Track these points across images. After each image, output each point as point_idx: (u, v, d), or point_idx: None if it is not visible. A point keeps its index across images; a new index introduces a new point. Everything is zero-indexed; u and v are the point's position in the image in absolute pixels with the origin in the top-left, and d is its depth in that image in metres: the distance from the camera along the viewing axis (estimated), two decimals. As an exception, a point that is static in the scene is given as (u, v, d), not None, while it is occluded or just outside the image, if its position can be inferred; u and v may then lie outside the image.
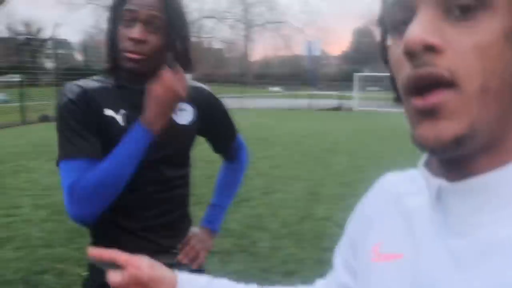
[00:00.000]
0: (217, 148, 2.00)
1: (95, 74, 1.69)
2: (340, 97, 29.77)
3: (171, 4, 1.58)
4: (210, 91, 1.86)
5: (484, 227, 0.56)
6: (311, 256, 4.90)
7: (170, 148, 1.68)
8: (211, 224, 1.95)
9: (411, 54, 0.53)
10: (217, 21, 66.24)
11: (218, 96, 1.90)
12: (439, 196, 0.61)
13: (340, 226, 5.40)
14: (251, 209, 6.56)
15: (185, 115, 1.73)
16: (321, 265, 4.68)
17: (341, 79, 31.96)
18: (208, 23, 68.04)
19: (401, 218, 0.70)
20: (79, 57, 60.15)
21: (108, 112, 1.59)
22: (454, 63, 0.52)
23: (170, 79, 1.54)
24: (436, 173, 0.63)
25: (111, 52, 1.60)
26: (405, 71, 0.56)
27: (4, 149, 11.73)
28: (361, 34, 74.85)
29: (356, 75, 29.66)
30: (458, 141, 0.54)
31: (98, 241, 1.69)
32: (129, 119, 1.60)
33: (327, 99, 34.15)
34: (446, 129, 0.53)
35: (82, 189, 1.47)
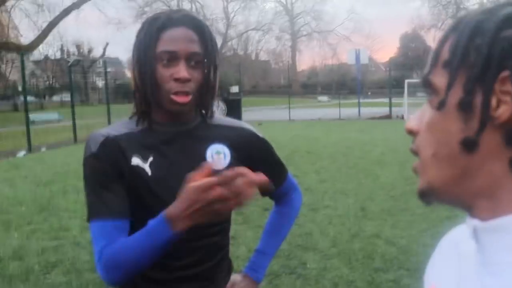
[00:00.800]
0: (265, 192, 1.78)
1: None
2: (390, 105, 29.21)
3: (206, 34, 1.50)
4: (252, 129, 1.72)
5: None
6: (362, 277, 4.73)
7: None
8: (255, 273, 1.79)
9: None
10: (263, 33, 66.48)
11: (261, 131, 1.72)
12: (476, 236, 0.67)
13: (391, 243, 5.27)
14: (299, 227, 6.41)
15: (221, 159, 1.59)
16: (373, 287, 4.51)
17: (390, 86, 31.30)
18: (254, 36, 68.43)
19: (455, 261, 0.75)
20: (129, 74, 61.33)
21: (135, 161, 1.50)
22: (418, 140, 0.70)
23: (215, 190, 1.24)
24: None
25: (151, 94, 1.47)
26: None
27: (55, 168, 11.99)
28: (409, 40, 73.69)
29: (407, 81, 29.07)
30: (423, 194, 0.71)
31: None
32: (157, 167, 1.51)
33: (376, 107, 33.71)
34: (418, 184, 0.71)
35: (107, 259, 1.40)
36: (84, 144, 1.58)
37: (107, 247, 1.41)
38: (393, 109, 28.37)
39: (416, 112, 0.73)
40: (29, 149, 16.40)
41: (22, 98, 21.12)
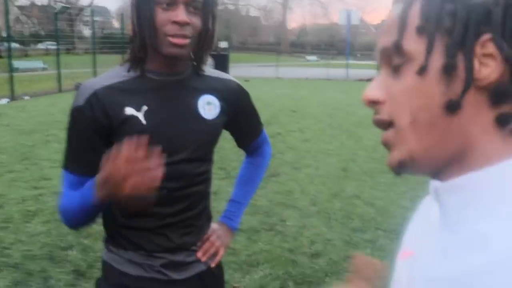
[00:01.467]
0: (240, 143, 1.91)
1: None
2: (378, 67, 29.10)
3: None
4: (238, 83, 1.77)
5: (469, 223, 0.63)
6: (340, 236, 4.80)
7: (194, 144, 1.60)
8: (230, 221, 1.88)
9: (367, 106, 0.72)
10: (254, -12, 65.51)
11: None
12: (437, 197, 0.70)
13: (369, 204, 5.35)
14: (280, 185, 6.47)
15: (211, 109, 1.64)
16: (349, 247, 4.58)
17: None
18: (245, -10, 67.41)
19: (424, 223, 0.79)
20: (116, 24, 60.37)
21: (129, 110, 1.52)
22: (391, 109, 0.68)
23: (125, 167, 1.27)
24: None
25: (149, 38, 1.48)
26: None
27: (37, 118, 11.89)
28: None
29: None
30: (401, 165, 0.69)
31: (113, 238, 1.67)
32: (151, 116, 1.53)
33: (365, 69, 33.62)
34: (392, 157, 0.70)
35: (60, 208, 1.55)
36: (68, 94, 1.57)
37: (63, 199, 1.54)
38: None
39: (372, 83, 0.71)
40: (12, 97, 16.20)
41: (6, 44, 20.70)
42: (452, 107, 0.64)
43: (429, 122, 0.65)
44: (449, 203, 0.68)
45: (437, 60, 0.64)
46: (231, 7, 59.79)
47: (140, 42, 1.50)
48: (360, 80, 27.96)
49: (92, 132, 1.51)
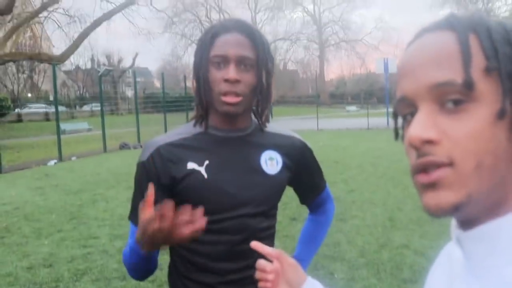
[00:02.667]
0: (303, 199, 1.93)
1: (172, 101, 1.67)
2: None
3: (258, 39, 1.55)
4: (301, 139, 1.79)
5: (496, 269, 0.63)
6: (390, 288, 4.67)
7: (256, 198, 1.62)
8: None
9: (414, 148, 0.66)
10: (291, 42, 66.52)
11: (301, 139, 1.81)
12: (460, 244, 0.69)
13: (419, 254, 5.20)
14: (326, 237, 6.34)
15: (274, 164, 1.66)
16: (401, 298, 4.45)
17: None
18: (282, 45, 68.48)
19: (447, 267, 0.78)
20: (158, 84, 61.91)
21: (191, 165, 1.57)
22: (450, 150, 0.63)
23: (153, 224, 1.31)
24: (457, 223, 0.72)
25: (205, 96, 1.55)
26: (412, 157, 0.67)
27: (85, 177, 12.14)
28: (439, 49, 72.68)
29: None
30: (456, 208, 0.64)
31: None
32: (213, 170, 1.58)
33: (405, 117, 33.28)
34: (446, 198, 0.64)
35: (124, 263, 1.63)
36: (113, 153, 1.65)
37: (124, 250, 1.61)
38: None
39: (418, 121, 0.66)
40: (60, 158, 16.64)
41: (53, 107, 21.43)
42: None
43: (494, 167, 0.63)
44: (474, 250, 0.67)
45: (508, 106, 0.64)
46: (269, 62, 60.74)
47: (199, 100, 1.57)
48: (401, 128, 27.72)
49: (155, 185, 1.52)
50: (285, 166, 1.68)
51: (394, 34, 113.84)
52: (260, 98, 1.60)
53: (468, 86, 0.63)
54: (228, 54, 1.50)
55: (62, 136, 17.72)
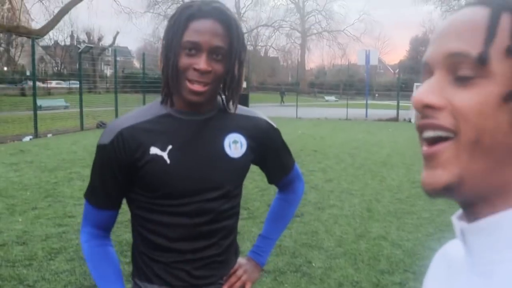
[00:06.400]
0: (271, 179, 1.92)
1: (152, 82, 1.65)
2: (397, 107, 29.07)
3: (234, 29, 1.52)
4: (267, 121, 1.78)
5: (502, 264, 0.61)
6: (367, 279, 4.69)
7: (219, 182, 1.63)
8: (258, 256, 1.90)
9: (416, 109, 0.65)
10: (274, 29, 66.32)
11: (273, 123, 1.81)
12: (463, 238, 0.66)
13: (396, 245, 5.25)
14: (304, 225, 6.38)
15: (238, 147, 1.66)
16: (378, 289, 4.47)
17: (399, 89, 31.09)
18: (265, 32, 68.28)
19: (445, 268, 0.76)
20: (137, 64, 61.30)
21: (154, 150, 1.56)
22: (453, 117, 0.62)
23: None
24: (462, 217, 0.69)
25: (171, 79, 1.52)
26: (417, 120, 0.67)
27: (60, 155, 11.98)
28: (419, 43, 73.36)
29: (416, 84, 28.96)
30: (448, 188, 0.63)
31: (139, 270, 1.71)
32: (176, 155, 1.57)
33: (383, 109, 33.59)
34: (439, 177, 0.63)
35: (83, 251, 1.69)
36: (90, 132, 1.66)
37: (87, 243, 1.68)
38: (400, 112, 28.26)
39: (426, 86, 0.65)
40: (35, 135, 16.39)
41: (30, 82, 21.08)
42: None
43: (491, 146, 0.61)
44: (476, 244, 0.65)
45: None
46: (250, 47, 60.52)
47: (165, 80, 1.55)
48: (380, 120, 27.92)
49: (114, 170, 1.58)
50: (249, 148, 1.69)
51: (377, 26, 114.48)
52: (229, 88, 1.59)
53: (482, 61, 0.62)
54: (201, 42, 1.47)
55: (38, 112, 17.44)
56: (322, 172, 10.31)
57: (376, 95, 63.95)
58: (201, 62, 1.46)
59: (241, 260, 1.83)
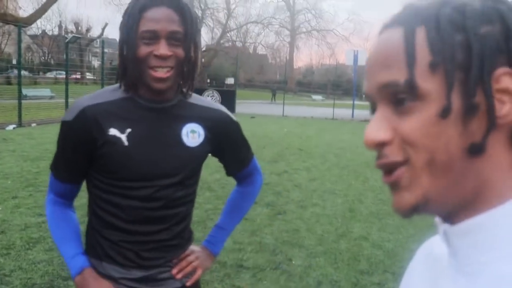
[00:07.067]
0: (229, 172, 1.97)
1: None
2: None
3: (187, 13, 1.57)
4: (227, 113, 1.83)
5: (490, 265, 0.60)
6: (346, 278, 4.70)
7: (175, 170, 1.67)
8: (213, 246, 1.93)
9: (371, 149, 0.65)
10: (263, 26, 66.22)
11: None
12: (447, 239, 0.66)
13: (377, 246, 5.26)
14: (286, 223, 6.38)
15: (195, 137, 1.70)
16: (357, 289, 4.48)
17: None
18: (254, 29, 68.23)
19: (428, 268, 0.75)
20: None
21: (112, 131, 1.60)
22: (402, 147, 0.62)
23: None
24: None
25: (132, 71, 1.57)
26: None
27: (44, 145, 11.87)
28: (408, 46, 73.54)
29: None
30: (414, 209, 0.63)
31: (90, 247, 1.75)
32: (134, 139, 1.61)
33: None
34: (404, 199, 0.63)
35: (47, 216, 1.78)
36: None
37: (49, 207, 1.77)
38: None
39: (372, 123, 0.65)
40: (19, 123, 16.25)
41: (16, 71, 20.87)
42: (476, 150, 0.61)
43: (447, 163, 0.61)
44: (461, 246, 0.64)
45: (457, 100, 0.60)
46: (239, 44, 60.36)
47: (125, 73, 1.60)
48: (366, 120, 28.02)
49: (75, 146, 1.65)
50: (207, 139, 1.73)
51: (366, 27, 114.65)
52: (186, 70, 1.62)
53: (410, 86, 0.61)
54: (158, 30, 1.51)
55: (23, 101, 17.27)
56: (306, 171, 10.31)
57: (363, 95, 64.18)
58: (161, 48, 1.51)
59: (194, 247, 1.87)
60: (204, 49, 58.32)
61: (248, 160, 1.95)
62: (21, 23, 21.12)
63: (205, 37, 60.66)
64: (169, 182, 1.66)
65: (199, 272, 1.83)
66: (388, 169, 0.64)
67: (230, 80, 35.09)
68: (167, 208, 1.68)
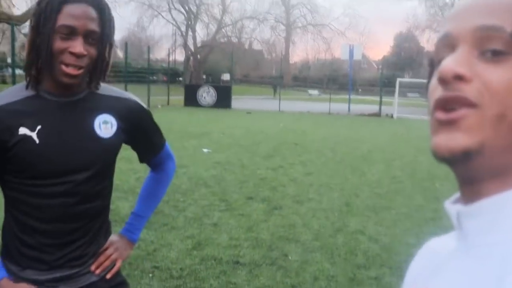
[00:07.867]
0: (141, 158, 1.99)
1: (135, 71, 1.64)
2: (380, 103, 29.16)
3: (106, 14, 1.58)
4: (137, 101, 1.84)
5: (502, 245, 0.59)
6: (343, 273, 4.68)
7: (90, 163, 1.66)
8: (131, 234, 1.94)
9: (443, 81, 0.63)
10: (258, 22, 66.08)
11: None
12: (459, 222, 0.65)
13: (374, 240, 5.22)
14: (282, 218, 6.36)
15: (108, 128, 1.70)
16: (354, 284, 4.46)
17: (382, 84, 31.14)
18: (249, 24, 68.00)
19: (435, 256, 0.73)
20: (120, 54, 60.91)
21: (23, 130, 1.59)
22: (479, 91, 0.61)
23: None
24: (456, 202, 0.68)
25: (44, 62, 1.55)
26: (437, 93, 0.64)
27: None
28: (403, 39, 73.67)
29: (398, 80, 29.07)
30: (467, 154, 0.60)
31: (4, 251, 1.73)
32: (45, 135, 1.60)
33: (366, 104, 33.69)
34: (459, 139, 0.61)
35: None
36: None
37: None
38: (383, 107, 28.32)
39: (454, 57, 0.63)
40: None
41: (10, 70, 20.80)
42: None
43: None
44: (472, 227, 0.64)
45: None
46: (234, 39, 60.20)
47: (33, 64, 1.57)
48: (362, 115, 27.99)
49: None
50: (120, 128, 1.73)
51: (362, 22, 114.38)
52: (98, 70, 1.62)
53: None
54: (76, 26, 1.51)
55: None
56: (302, 166, 10.29)
57: (359, 90, 64.16)
58: (77, 46, 1.51)
59: (113, 237, 1.88)
60: (199, 45, 58.19)
61: (160, 147, 1.97)
62: (15, 21, 21.02)
63: (200, 33, 60.58)
64: (84, 176, 1.66)
65: (118, 264, 1.85)
66: (450, 105, 0.62)
67: (226, 76, 35.00)
68: (84, 203, 1.68)
